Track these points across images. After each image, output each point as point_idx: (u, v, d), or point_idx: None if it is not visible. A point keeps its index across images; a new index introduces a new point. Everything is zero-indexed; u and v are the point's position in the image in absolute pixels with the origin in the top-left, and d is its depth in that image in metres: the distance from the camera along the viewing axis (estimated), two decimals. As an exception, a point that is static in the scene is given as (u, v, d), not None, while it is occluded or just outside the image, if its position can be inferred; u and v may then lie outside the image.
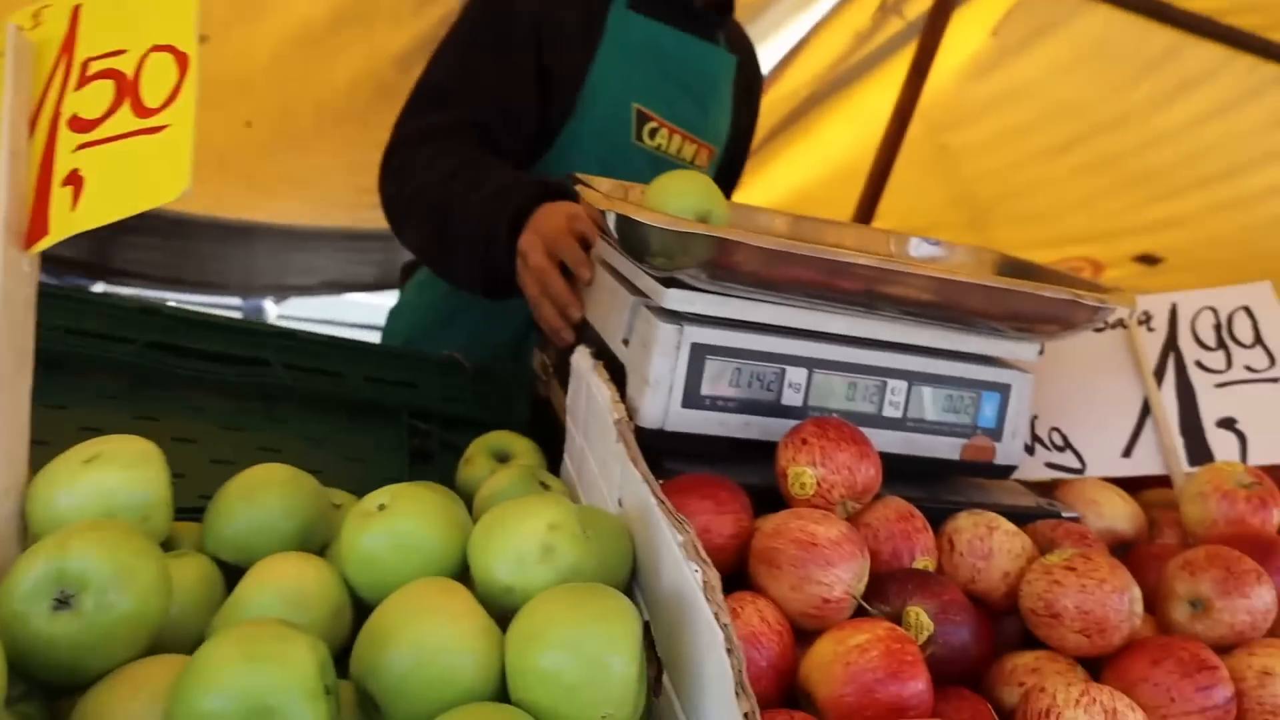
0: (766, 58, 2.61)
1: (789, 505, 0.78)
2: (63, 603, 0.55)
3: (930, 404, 0.89)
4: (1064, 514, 0.91)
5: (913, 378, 0.88)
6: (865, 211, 2.54)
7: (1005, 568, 0.78)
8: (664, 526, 0.65)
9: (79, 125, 0.69)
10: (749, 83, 1.63)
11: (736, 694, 0.52)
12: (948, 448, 0.91)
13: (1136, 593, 0.73)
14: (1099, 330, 1.06)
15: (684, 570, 0.60)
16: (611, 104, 1.39)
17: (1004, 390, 0.91)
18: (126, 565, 0.56)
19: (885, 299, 0.83)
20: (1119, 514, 0.91)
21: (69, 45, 0.71)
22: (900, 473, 0.90)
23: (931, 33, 2.29)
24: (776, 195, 2.98)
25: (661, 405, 0.82)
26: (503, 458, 0.99)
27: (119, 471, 0.65)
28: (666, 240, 0.76)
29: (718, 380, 0.83)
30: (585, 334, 1.01)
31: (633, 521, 0.73)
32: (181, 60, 0.68)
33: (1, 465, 0.65)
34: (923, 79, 2.32)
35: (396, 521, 0.65)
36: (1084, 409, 1.02)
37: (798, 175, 2.95)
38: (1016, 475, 1.00)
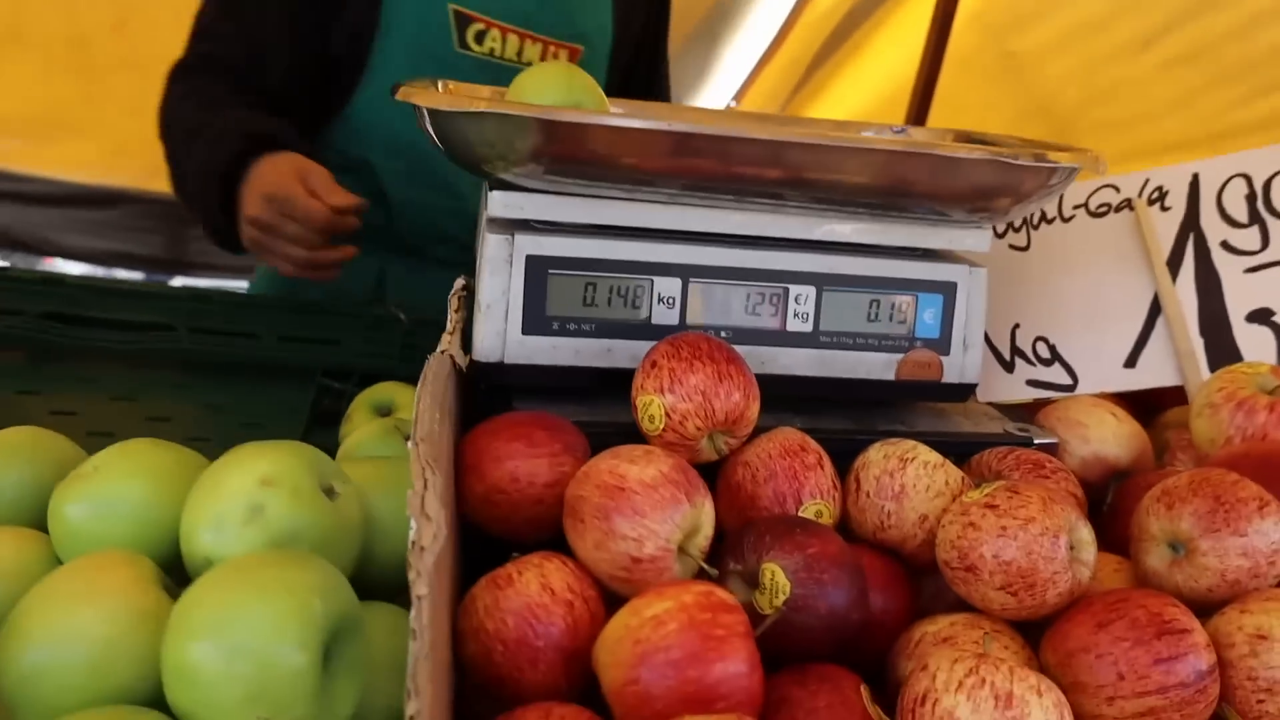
0: (799, -27, 2.39)
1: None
2: None
3: (848, 312, 0.72)
4: (1037, 441, 0.72)
5: (822, 281, 0.71)
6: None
7: (922, 509, 0.61)
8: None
9: None
10: None
11: (406, 690, 0.39)
12: (879, 366, 0.73)
13: (1084, 535, 0.55)
14: (1098, 215, 0.85)
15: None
16: (420, 8, 1.19)
17: (948, 290, 0.73)
18: None
19: (768, 183, 0.66)
20: (1109, 436, 0.72)
21: None
22: (825, 400, 0.74)
23: (975, -80, 2.03)
24: (833, 126, 2.76)
25: (497, 333, 0.68)
26: (385, 411, 0.88)
27: None
28: (465, 128, 0.62)
29: (566, 299, 0.68)
30: (472, 264, 0.88)
31: (434, 473, 0.60)
32: None
33: None
34: (963, -26, 2.06)
35: (106, 484, 0.54)
36: (1077, 312, 0.82)
37: (855, 99, 2.70)
38: (992, 398, 0.82)
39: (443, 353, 0.65)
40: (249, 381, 1.04)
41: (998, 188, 0.67)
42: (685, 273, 0.69)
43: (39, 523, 0.59)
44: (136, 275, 3.64)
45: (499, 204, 0.67)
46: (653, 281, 0.69)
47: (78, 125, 2.60)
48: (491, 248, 0.67)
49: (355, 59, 1.19)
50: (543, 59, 1.25)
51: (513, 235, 0.67)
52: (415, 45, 1.19)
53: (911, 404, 0.77)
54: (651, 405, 0.61)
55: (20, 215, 2.93)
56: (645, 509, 0.52)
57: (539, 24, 1.24)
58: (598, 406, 0.70)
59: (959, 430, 0.74)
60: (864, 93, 2.62)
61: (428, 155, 1.22)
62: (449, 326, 0.70)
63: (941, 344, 0.73)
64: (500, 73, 1.22)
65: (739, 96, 2.71)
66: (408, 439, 0.75)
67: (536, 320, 0.68)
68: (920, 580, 0.63)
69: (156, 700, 0.44)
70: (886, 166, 0.67)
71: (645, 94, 1.44)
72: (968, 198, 0.69)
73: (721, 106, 2.77)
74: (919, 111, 2.25)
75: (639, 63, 1.41)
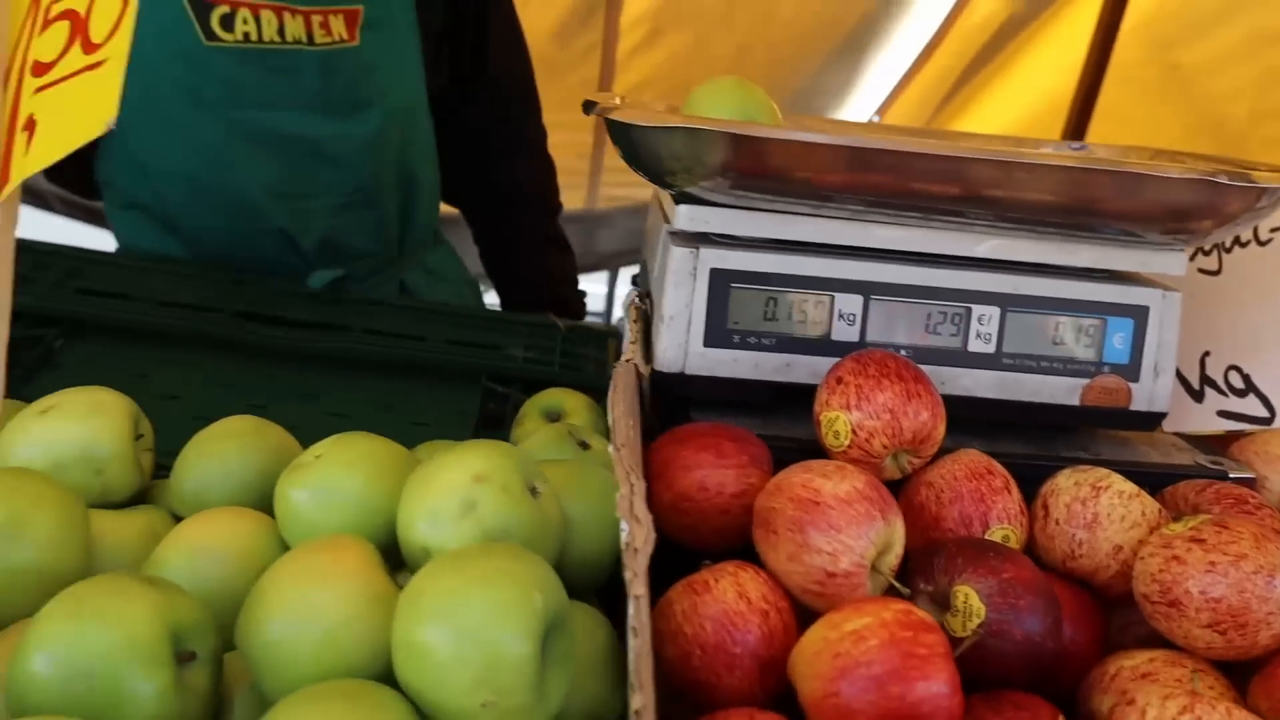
0: (950, -15, 2.35)
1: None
2: (-44, 554, 0.52)
3: (1034, 335, 0.70)
4: (1232, 475, 0.69)
5: (1007, 301, 0.70)
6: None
7: (1117, 540, 0.59)
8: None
9: (38, 70, 0.67)
10: None
11: (630, 685, 0.40)
12: (1064, 390, 0.71)
13: (1300, 575, 0.53)
14: (1299, 237, 0.81)
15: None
16: (147, 6, 0.97)
17: (1139, 314, 0.71)
18: (20, 516, 0.53)
19: (953, 200, 0.66)
20: (1314, 474, 0.68)
21: (38, -8, 0.70)
22: (1004, 424, 0.73)
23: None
24: (981, 141, 2.69)
25: (679, 344, 0.69)
26: (554, 416, 0.90)
27: (70, 423, 0.63)
28: (653, 142, 0.64)
29: (747, 313, 0.69)
30: (642, 274, 0.90)
31: (624, 478, 0.62)
32: (126, -10, 0.64)
33: (-33, 418, 0.64)
34: (1129, -16, 1.98)
35: (325, 473, 0.57)
36: (1275, 342, 0.78)
37: (1006, 115, 2.63)
38: (1179, 428, 0.79)
39: (628, 361, 0.68)
40: (418, 383, 1.08)
41: (1200, 209, 0.65)
42: (867, 289, 0.69)
43: (260, 504, 0.63)
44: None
45: (685, 218, 0.69)
46: (834, 298, 0.69)
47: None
48: (676, 261, 0.69)
49: None
50: (309, 32, 1.05)
51: (697, 249, 0.68)
52: (152, 48, 1.01)
53: (1094, 431, 0.75)
54: (837, 421, 0.61)
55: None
56: (840, 524, 0.53)
57: None
58: (773, 420, 0.70)
59: (1147, 460, 0.71)
60: (1014, 108, 2.54)
61: (201, 174, 1.09)
62: (630, 336, 0.72)
63: (1130, 370, 0.71)
64: (268, 59, 1.05)
65: (883, 110, 2.68)
66: (581, 444, 0.78)
67: (718, 333, 0.69)
68: (1108, 613, 0.62)
69: (384, 677, 0.47)
70: (1078, 185, 0.66)
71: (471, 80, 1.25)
72: (1165, 218, 0.67)
73: (864, 120, 2.74)
74: (1078, 126, 2.18)
75: (464, 25, 1.21)
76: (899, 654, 0.47)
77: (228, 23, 1.02)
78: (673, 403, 0.72)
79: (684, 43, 2.30)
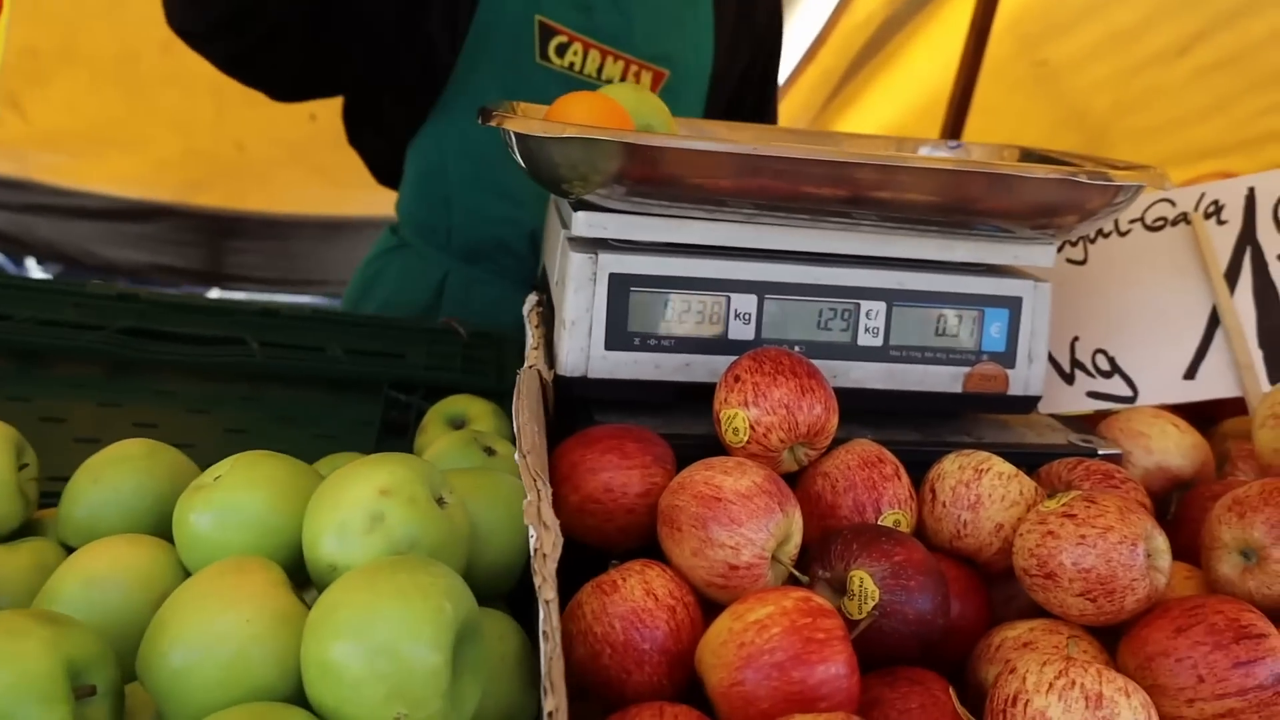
0: (833, -15, 2.42)
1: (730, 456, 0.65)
2: None
3: (918, 327, 0.74)
4: (1101, 452, 0.74)
5: (892, 296, 0.73)
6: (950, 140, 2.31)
7: (998, 519, 0.63)
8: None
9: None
10: None
11: (544, 688, 0.41)
12: (947, 379, 0.75)
13: (1159, 543, 0.57)
14: (1155, 229, 0.87)
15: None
16: (508, 17, 1.18)
17: (1013, 304, 0.75)
18: (-106, 554, 0.50)
19: (840, 202, 0.69)
20: (1172, 447, 0.74)
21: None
22: (892, 413, 0.76)
23: (1007, -68, 2.04)
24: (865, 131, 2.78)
25: (580, 349, 0.70)
26: (458, 424, 0.90)
27: (-54, 456, 0.60)
28: (551, 151, 0.65)
29: (646, 316, 0.71)
30: (543, 280, 0.91)
31: (529, 483, 0.63)
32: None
33: None
34: (999, -15, 2.08)
35: (227, 494, 0.57)
36: (1136, 325, 0.84)
37: (887, 111, 2.72)
38: (1053, 409, 0.84)
39: (531, 368, 0.68)
40: (318, 394, 1.06)
41: (1064, 205, 0.70)
42: (761, 289, 0.72)
43: (156, 529, 0.62)
44: (174, 290, 3.72)
45: (583, 224, 0.70)
46: (729, 298, 0.72)
47: (123, 141, 2.66)
48: (575, 266, 0.70)
49: (443, 59, 1.20)
50: (623, 78, 1.23)
51: (596, 254, 0.70)
52: (499, 53, 1.19)
53: (976, 416, 0.80)
54: (736, 418, 0.63)
55: (65, 229, 3.00)
56: (741, 518, 0.55)
57: (625, 42, 1.22)
58: (674, 419, 0.72)
59: (1025, 441, 0.76)
60: (897, 103, 2.63)
61: (495, 162, 1.26)
62: (532, 342, 0.73)
63: (1007, 357, 0.75)
64: (578, 88, 1.21)
65: (771, 107, 2.73)
66: (486, 450, 0.78)
67: (619, 336, 0.70)
68: (991, 587, 0.65)
69: (294, 698, 0.47)
70: (954, 186, 0.69)
71: (743, 116, 1.40)
72: (1033, 215, 0.71)
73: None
74: (955, 122, 2.27)
75: (746, 94, 1.37)
76: (799, 640, 0.49)
77: (561, 50, 1.20)
78: (575, 405, 0.73)
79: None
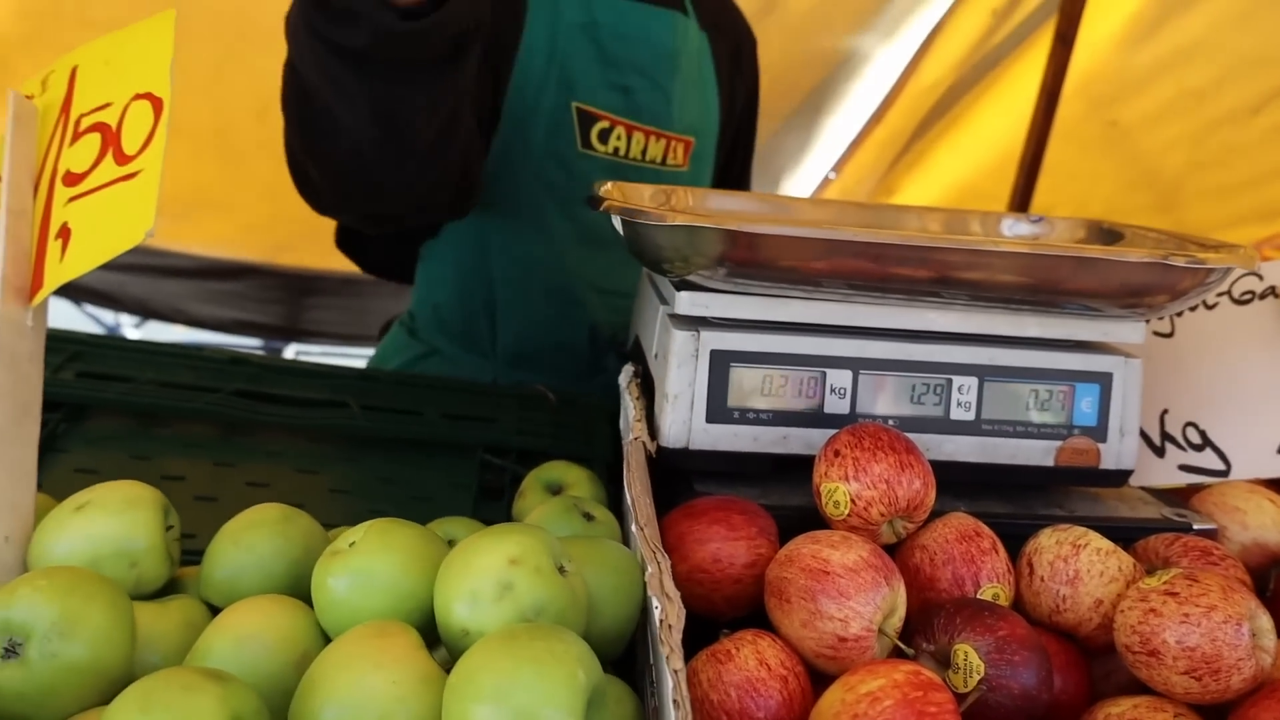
0: (900, 51, 2.46)
1: (830, 529, 0.68)
2: (10, 651, 0.54)
3: (1010, 402, 0.76)
4: (1196, 526, 0.75)
5: (984, 372, 0.76)
6: (1020, 202, 2.32)
7: (1097, 594, 0.64)
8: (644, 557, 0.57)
9: (70, 180, 0.70)
10: (735, 47, 1.35)
11: (676, 755, 0.44)
12: (1039, 453, 0.77)
13: (1264, 623, 0.58)
14: (1242, 303, 0.88)
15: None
16: (546, 107, 1.14)
17: (1104, 380, 0.77)
18: (73, 612, 0.55)
19: (932, 283, 0.72)
20: (1269, 522, 0.74)
21: (67, 105, 0.73)
22: (985, 485, 0.78)
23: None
24: (936, 194, 2.80)
25: (683, 421, 0.74)
26: (556, 489, 0.94)
27: (107, 519, 0.65)
28: (662, 239, 0.69)
29: (746, 390, 0.74)
30: (635, 351, 0.95)
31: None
32: (157, 105, 0.69)
33: (4, 513, 0.66)
34: (1069, 50, 2.10)
35: (362, 559, 0.61)
36: (1227, 398, 0.84)
37: (953, 171, 2.75)
38: (1144, 482, 0.85)
39: (636, 439, 0.72)
40: (415, 456, 1.11)
41: (1154, 287, 0.71)
42: (855, 365, 0.75)
43: (291, 590, 0.66)
44: (256, 342, 3.86)
45: (686, 303, 0.74)
46: (825, 374, 0.74)
47: (216, 205, 2.80)
48: (678, 343, 0.73)
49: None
50: (664, 155, 1.24)
51: (698, 331, 0.73)
52: (537, 145, 1.16)
53: (1066, 489, 0.81)
54: (837, 492, 0.66)
55: (155, 286, 3.15)
56: (849, 591, 0.57)
57: (665, 119, 1.23)
58: (770, 489, 0.75)
59: (1118, 515, 0.77)
60: (965, 163, 2.66)
61: (545, 262, 1.25)
62: (635, 414, 0.76)
63: (1098, 432, 0.77)
64: (625, 173, 1.21)
65: (839, 167, 2.78)
66: (585, 515, 0.82)
67: (719, 409, 0.74)
68: (1092, 662, 0.66)
69: (435, 757, 0.50)
70: (1044, 269, 0.72)
71: (738, 181, 1.46)
72: (1124, 296, 0.73)
73: (820, 177, 2.84)
74: (1026, 183, 2.29)
75: (736, 149, 1.43)
76: (913, 713, 0.51)
77: (604, 136, 1.18)
78: (676, 474, 0.76)
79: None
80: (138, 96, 0.70)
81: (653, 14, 1.20)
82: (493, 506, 1.03)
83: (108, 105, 0.71)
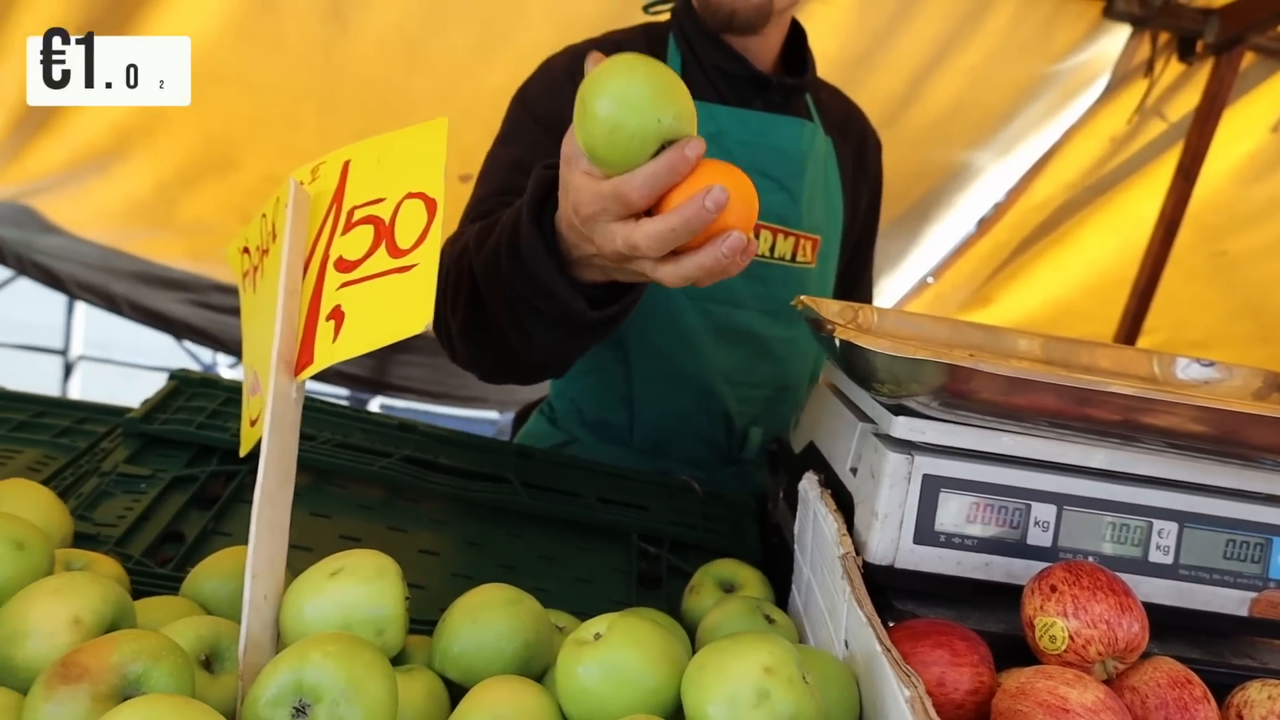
0: (1013, 168, 2.52)
1: (1038, 660, 0.70)
2: (300, 711, 0.58)
3: (1208, 550, 0.78)
4: (1394, 691, 0.75)
5: (1184, 519, 0.78)
6: (1131, 326, 2.34)
7: (1314, 754, 0.65)
8: (890, 678, 0.60)
9: (343, 266, 0.76)
10: (860, 150, 1.42)
11: None
12: (1233, 602, 0.78)
13: None
14: None
15: (911, 730, 0.55)
16: None
17: (1303, 537, 0.78)
18: (358, 679, 0.59)
19: (1144, 430, 0.74)
20: None
21: (339, 196, 0.80)
22: (1172, 629, 0.80)
23: (1200, 134, 2.12)
24: (1032, 308, 2.82)
25: (891, 540, 0.77)
26: (729, 587, 0.97)
27: (359, 586, 0.69)
28: (896, 368, 0.73)
29: (953, 515, 0.77)
30: (812, 458, 0.98)
31: (858, 668, 0.69)
32: (430, 206, 0.75)
33: (264, 573, 0.70)
34: (1191, 183, 2.14)
35: (611, 652, 0.64)
36: None
37: (1056, 288, 2.78)
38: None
39: (848, 555, 0.75)
40: (572, 537, 1.14)
41: (1364, 451, 0.73)
42: (1060, 500, 0.77)
43: (520, 670, 0.70)
44: (343, 392, 3.95)
45: (902, 428, 0.77)
46: (1030, 506, 0.77)
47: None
48: (892, 465, 0.77)
49: None
50: (793, 253, 1.29)
51: (912, 455, 0.77)
52: None
53: (1254, 639, 0.82)
54: (1054, 627, 0.68)
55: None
56: (1091, 732, 0.59)
57: (793, 219, 1.28)
58: (966, 613, 0.77)
59: (1308, 671, 0.78)
60: (1067, 282, 2.69)
61: (678, 354, 1.31)
62: (839, 530, 0.79)
63: (1295, 586, 0.78)
64: (755, 269, 1.25)
65: (937, 273, 2.82)
66: (766, 618, 0.84)
67: (926, 532, 0.76)
68: (1305, 822, 0.67)
69: None
70: (1243, 426, 0.74)
71: (858, 278, 1.51)
72: (1331, 456, 0.75)
73: (918, 279, 2.88)
74: (1138, 308, 2.31)
75: (860, 248, 1.48)
76: None
77: None
78: (871, 588, 0.79)
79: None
80: (410, 195, 0.76)
81: (779, 121, 1.26)
82: (652, 596, 1.06)
83: (380, 200, 0.77)
